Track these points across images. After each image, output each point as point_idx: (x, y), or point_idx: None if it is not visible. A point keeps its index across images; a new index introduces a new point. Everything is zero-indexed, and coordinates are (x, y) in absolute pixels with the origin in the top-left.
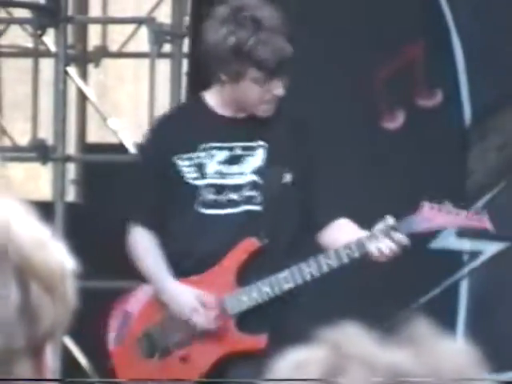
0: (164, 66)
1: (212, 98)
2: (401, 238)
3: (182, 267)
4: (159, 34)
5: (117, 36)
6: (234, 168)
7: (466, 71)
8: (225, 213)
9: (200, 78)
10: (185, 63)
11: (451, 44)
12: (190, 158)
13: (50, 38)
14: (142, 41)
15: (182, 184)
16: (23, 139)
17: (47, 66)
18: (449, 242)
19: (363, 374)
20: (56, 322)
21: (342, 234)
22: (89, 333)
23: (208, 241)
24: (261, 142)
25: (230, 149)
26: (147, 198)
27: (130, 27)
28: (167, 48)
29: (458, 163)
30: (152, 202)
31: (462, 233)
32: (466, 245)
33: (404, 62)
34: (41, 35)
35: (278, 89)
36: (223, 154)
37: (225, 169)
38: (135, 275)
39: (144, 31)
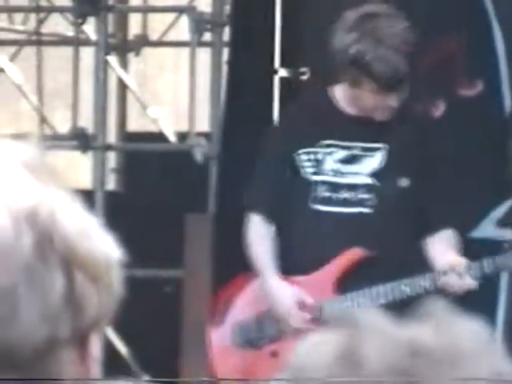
0: (204, 55)
1: (339, 94)
2: (471, 284)
3: (290, 262)
4: (200, 23)
5: (157, 25)
6: (352, 167)
7: (507, 61)
8: (338, 211)
9: (241, 67)
10: (225, 52)
11: (492, 34)
12: (309, 153)
13: (90, 27)
14: (182, 30)
15: (299, 178)
16: (64, 127)
17: (88, 54)
18: (489, 231)
19: (381, 350)
20: (101, 311)
21: (440, 253)
22: (131, 322)
23: (318, 239)
24: (381, 144)
25: (350, 148)
26: (267, 189)
27: (171, 16)
28: (208, 37)
29: (498, 152)
30: (271, 193)
31: (503, 222)
32: (506, 234)
33: (445, 52)
34: (81, 24)
35: (393, 101)
36: (342, 153)
37: (342, 167)
38: (174, 264)
39: (184, 20)
